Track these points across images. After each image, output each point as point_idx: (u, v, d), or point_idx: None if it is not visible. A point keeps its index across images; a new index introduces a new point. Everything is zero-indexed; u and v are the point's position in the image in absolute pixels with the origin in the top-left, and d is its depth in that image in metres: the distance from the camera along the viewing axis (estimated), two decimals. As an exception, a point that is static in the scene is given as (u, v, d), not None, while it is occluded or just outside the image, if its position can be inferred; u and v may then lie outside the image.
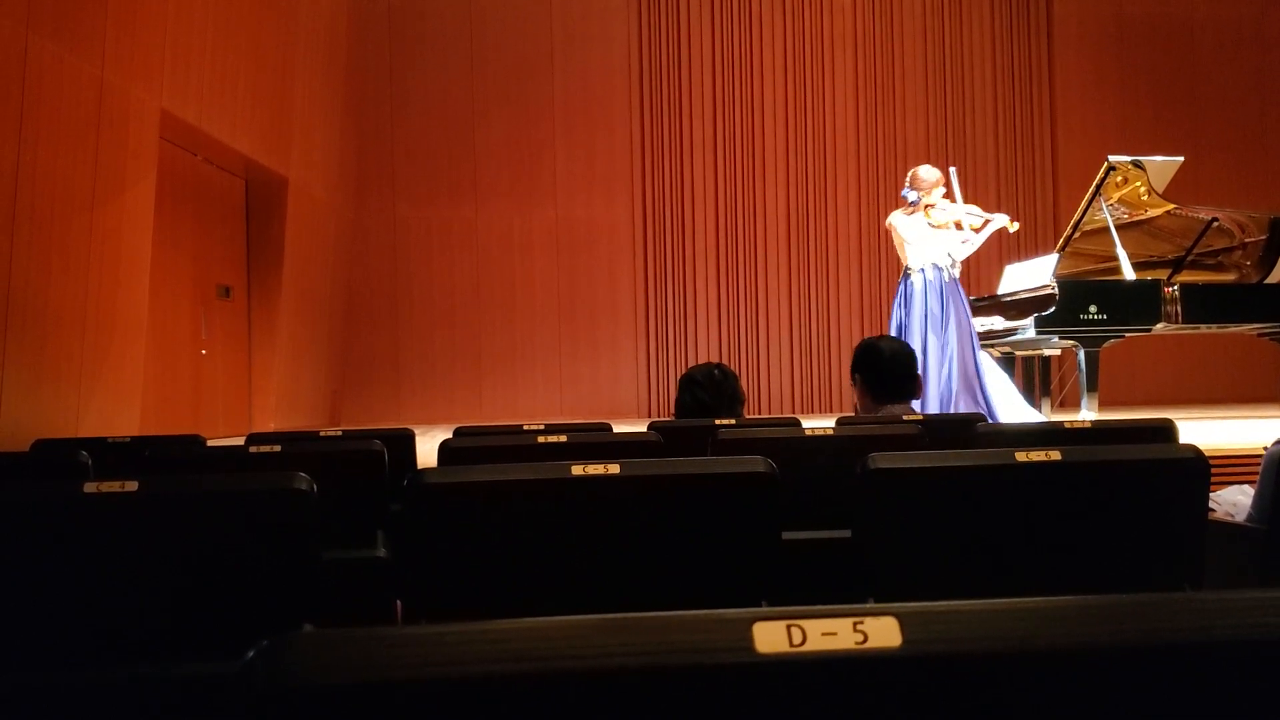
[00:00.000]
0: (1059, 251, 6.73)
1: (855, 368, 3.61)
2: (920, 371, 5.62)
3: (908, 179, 6.09)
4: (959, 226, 6.05)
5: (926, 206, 5.91)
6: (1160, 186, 6.73)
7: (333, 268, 9.74)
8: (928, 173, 6.00)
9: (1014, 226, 6.26)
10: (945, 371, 5.71)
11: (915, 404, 3.69)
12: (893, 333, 5.88)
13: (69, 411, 5.40)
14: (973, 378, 5.77)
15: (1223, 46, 11.53)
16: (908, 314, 5.82)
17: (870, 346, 3.59)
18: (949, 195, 6.13)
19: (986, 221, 6.12)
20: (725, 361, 10.57)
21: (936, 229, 5.91)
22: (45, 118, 5.12)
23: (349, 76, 9.90)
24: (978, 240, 6.06)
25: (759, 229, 10.91)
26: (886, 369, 3.50)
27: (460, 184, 10.53)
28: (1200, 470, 1.60)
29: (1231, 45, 11.55)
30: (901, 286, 5.97)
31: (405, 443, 3.13)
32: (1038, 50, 11.43)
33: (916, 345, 5.63)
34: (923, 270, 5.85)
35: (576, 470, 1.44)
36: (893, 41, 11.18)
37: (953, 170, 6.49)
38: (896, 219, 6.04)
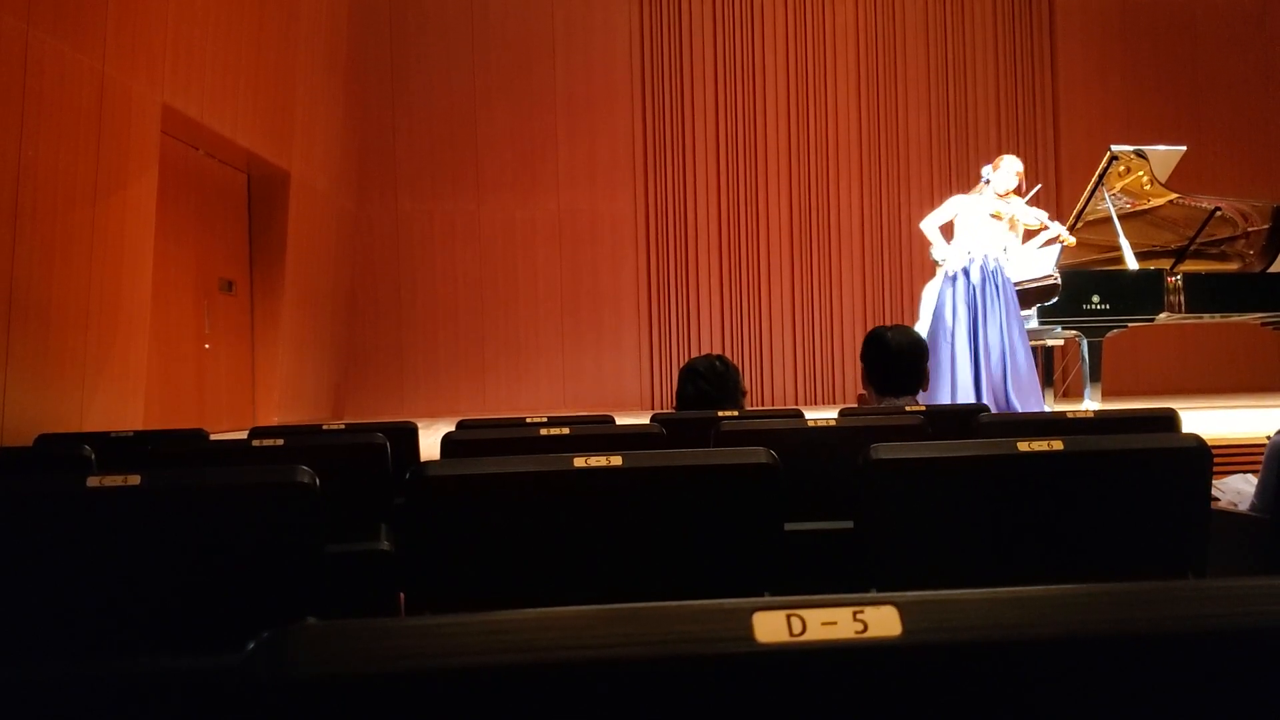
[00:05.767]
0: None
1: (862, 356, 3.57)
2: (950, 361, 5.57)
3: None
4: (1032, 230, 6.00)
5: (997, 193, 5.79)
6: (1163, 176, 6.71)
7: (335, 261, 9.74)
8: (1009, 160, 5.89)
9: (1069, 240, 6.22)
10: (976, 362, 5.55)
11: (921, 395, 3.66)
12: (932, 317, 5.82)
13: (72, 406, 5.40)
14: (1021, 368, 5.58)
15: (1225, 35, 11.49)
16: (952, 301, 5.67)
17: (877, 337, 3.51)
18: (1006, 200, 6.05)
19: (1044, 228, 6.10)
20: (728, 354, 10.59)
21: (993, 219, 5.76)
22: (47, 113, 5.12)
23: (351, 70, 9.89)
24: (1024, 249, 5.99)
25: (761, 221, 10.89)
26: (892, 362, 3.45)
27: (462, 177, 10.52)
28: (1203, 459, 1.60)
29: (1234, 33, 11.50)
30: (951, 274, 5.80)
31: (408, 436, 3.14)
32: (1040, 41, 11.39)
33: (948, 332, 5.59)
34: (972, 256, 5.71)
35: (579, 462, 1.44)
36: (895, 33, 11.15)
37: (1038, 188, 6.61)
38: (954, 200, 5.92)
